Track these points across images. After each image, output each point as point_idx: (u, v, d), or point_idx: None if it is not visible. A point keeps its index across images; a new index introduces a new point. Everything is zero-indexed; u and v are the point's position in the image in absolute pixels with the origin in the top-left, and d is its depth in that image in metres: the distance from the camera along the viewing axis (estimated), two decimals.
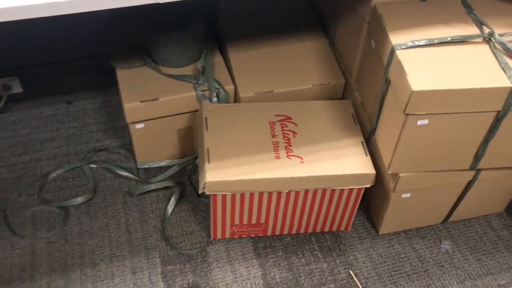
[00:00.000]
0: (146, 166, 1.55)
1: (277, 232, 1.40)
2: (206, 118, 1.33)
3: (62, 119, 1.69)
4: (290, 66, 1.50)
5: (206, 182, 1.20)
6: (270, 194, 1.27)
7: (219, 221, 1.33)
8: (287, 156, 1.26)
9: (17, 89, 1.69)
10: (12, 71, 1.64)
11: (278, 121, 1.34)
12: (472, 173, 1.28)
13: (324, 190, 1.28)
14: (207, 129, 1.31)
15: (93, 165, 1.55)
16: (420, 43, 1.11)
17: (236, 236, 1.39)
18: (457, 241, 1.43)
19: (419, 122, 1.10)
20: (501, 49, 1.11)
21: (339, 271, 1.35)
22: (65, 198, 1.47)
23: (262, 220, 1.35)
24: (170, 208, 1.44)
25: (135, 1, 0.93)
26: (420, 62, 1.08)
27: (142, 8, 1.00)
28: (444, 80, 1.05)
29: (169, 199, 1.46)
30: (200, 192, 1.22)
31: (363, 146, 1.30)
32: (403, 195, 1.31)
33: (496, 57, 1.10)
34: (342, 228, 1.43)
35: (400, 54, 1.10)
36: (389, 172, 1.24)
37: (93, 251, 1.36)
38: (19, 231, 1.39)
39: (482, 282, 1.34)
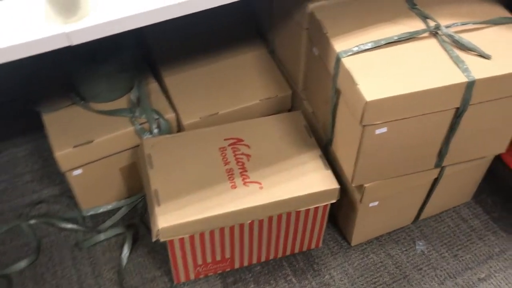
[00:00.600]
0: (92, 213, 1.41)
1: (246, 263, 1.30)
2: (149, 154, 1.21)
3: None
4: (233, 82, 1.39)
5: (159, 229, 1.08)
6: (232, 228, 1.16)
7: (180, 264, 1.21)
8: (244, 184, 1.16)
9: None
10: None
11: (229, 145, 1.24)
12: (437, 170, 1.23)
13: (289, 213, 1.19)
14: (151, 167, 1.18)
15: (32, 221, 1.40)
16: (366, 47, 1.04)
17: (202, 276, 1.28)
18: (431, 239, 1.38)
19: (378, 131, 1.03)
20: (449, 41, 1.05)
21: None
22: (4, 264, 1.31)
23: (228, 255, 1.24)
24: (124, 256, 1.31)
25: (45, 47, 0.81)
26: (370, 68, 1.01)
27: None
28: (398, 85, 0.98)
29: (122, 246, 1.33)
30: (153, 240, 1.10)
31: (321, 159, 1.22)
32: (371, 204, 1.24)
33: (446, 51, 1.03)
34: (313, 246, 1.35)
35: (346, 62, 1.02)
36: (353, 185, 1.17)
37: None
38: None
39: (463, 279, 1.29)
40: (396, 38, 1.04)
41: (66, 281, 1.28)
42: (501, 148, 1.23)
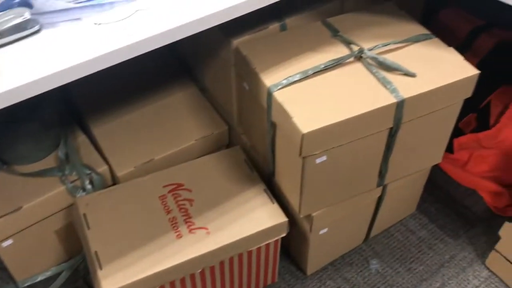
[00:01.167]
0: (29, 283, 1.30)
1: None
2: (84, 214, 1.13)
3: None
4: (166, 125, 1.35)
5: None
6: (182, 280, 1.11)
7: None
8: (190, 231, 1.11)
9: None
10: None
11: (169, 192, 1.19)
12: (380, 189, 1.24)
13: (241, 254, 1.15)
14: (88, 228, 1.11)
15: None
16: (295, 78, 1.03)
17: None
18: (383, 256, 1.38)
19: (318, 160, 1.02)
20: (374, 63, 1.06)
21: None
22: None
23: None
24: None
25: None
26: (302, 99, 1.00)
27: None
28: (331, 113, 0.97)
29: None
30: None
31: (266, 193, 1.20)
32: (321, 232, 1.23)
33: (373, 73, 1.05)
34: (269, 282, 1.31)
35: (278, 96, 1.01)
36: (301, 216, 1.15)
37: None
38: None
39: None
40: (323, 66, 1.05)
41: None
42: (437, 159, 1.26)
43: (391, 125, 1.04)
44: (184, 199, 1.17)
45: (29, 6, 0.85)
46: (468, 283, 1.32)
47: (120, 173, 1.24)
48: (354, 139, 1.02)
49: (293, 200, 1.14)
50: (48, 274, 1.32)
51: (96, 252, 1.06)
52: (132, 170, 1.25)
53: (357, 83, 1.03)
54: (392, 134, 1.06)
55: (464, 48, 1.52)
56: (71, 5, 0.88)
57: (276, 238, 1.17)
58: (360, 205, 1.25)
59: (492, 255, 1.32)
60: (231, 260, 1.15)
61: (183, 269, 1.08)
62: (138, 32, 0.83)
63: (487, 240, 1.40)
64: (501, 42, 1.50)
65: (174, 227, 1.12)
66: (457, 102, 1.11)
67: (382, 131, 1.05)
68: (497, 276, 1.33)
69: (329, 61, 1.06)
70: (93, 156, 1.27)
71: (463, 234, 1.43)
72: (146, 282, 1.04)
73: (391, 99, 1.00)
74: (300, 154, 0.99)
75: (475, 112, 1.54)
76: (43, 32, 0.82)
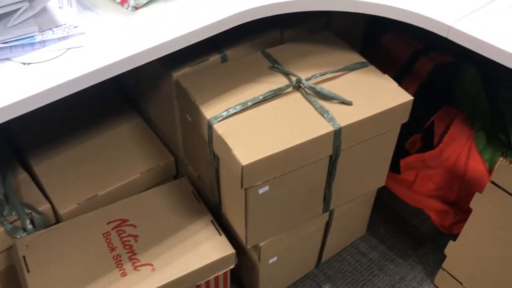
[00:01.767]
0: None
1: None
2: (23, 257, 1.09)
3: None
4: (110, 158, 1.32)
5: None
6: None
7: None
8: (135, 269, 1.09)
9: None
10: None
11: (113, 228, 1.16)
12: (327, 214, 1.25)
13: None
14: (28, 271, 1.07)
15: None
16: (235, 110, 1.04)
17: None
18: (336, 280, 1.39)
19: (260, 191, 1.02)
20: (312, 93, 1.08)
21: None
22: None
23: None
24: None
25: None
26: (241, 131, 1.00)
27: None
28: (271, 144, 0.98)
29: None
30: None
31: (214, 225, 1.19)
32: (270, 261, 1.22)
33: (311, 103, 1.07)
34: None
35: (218, 128, 1.01)
36: (248, 246, 1.14)
37: None
38: None
39: None
40: (261, 97, 1.06)
41: None
42: (381, 182, 1.28)
43: (330, 153, 1.06)
44: (129, 235, 1.15)
45: None
46: None
47: (62, 211, 1.20)
48: (295, 168, 1.03)
49: (239, 230, 1.14)
50: None
51: None
52: (75, 207, 1.21)
53: (295, 113, 1.05)
54: (333, 161, 1.08)
55: (405, 72, 1.57)
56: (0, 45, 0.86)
57: (224, 270, 1.16)
58: (308, 232, 1.25)
59: (440, 273, 1.35)
60: None
61: None
62: (68, 72, 0.82)
63: (435, 258, 1.43)
64: (440, 64, 1.56)
65: (118, 265, 1.09)
66: (394, 127, 1.14)
67: (323, 159, 1.06)
68: None
69: (268, 91, 1.07)
70: (34, 194, 1.23)
71: (412, 253, 1.45)
72: None
73: (329, 128, 1.01)
74: (242, 186, 0.99)
75: (420, 132, 1.58)
76: None
